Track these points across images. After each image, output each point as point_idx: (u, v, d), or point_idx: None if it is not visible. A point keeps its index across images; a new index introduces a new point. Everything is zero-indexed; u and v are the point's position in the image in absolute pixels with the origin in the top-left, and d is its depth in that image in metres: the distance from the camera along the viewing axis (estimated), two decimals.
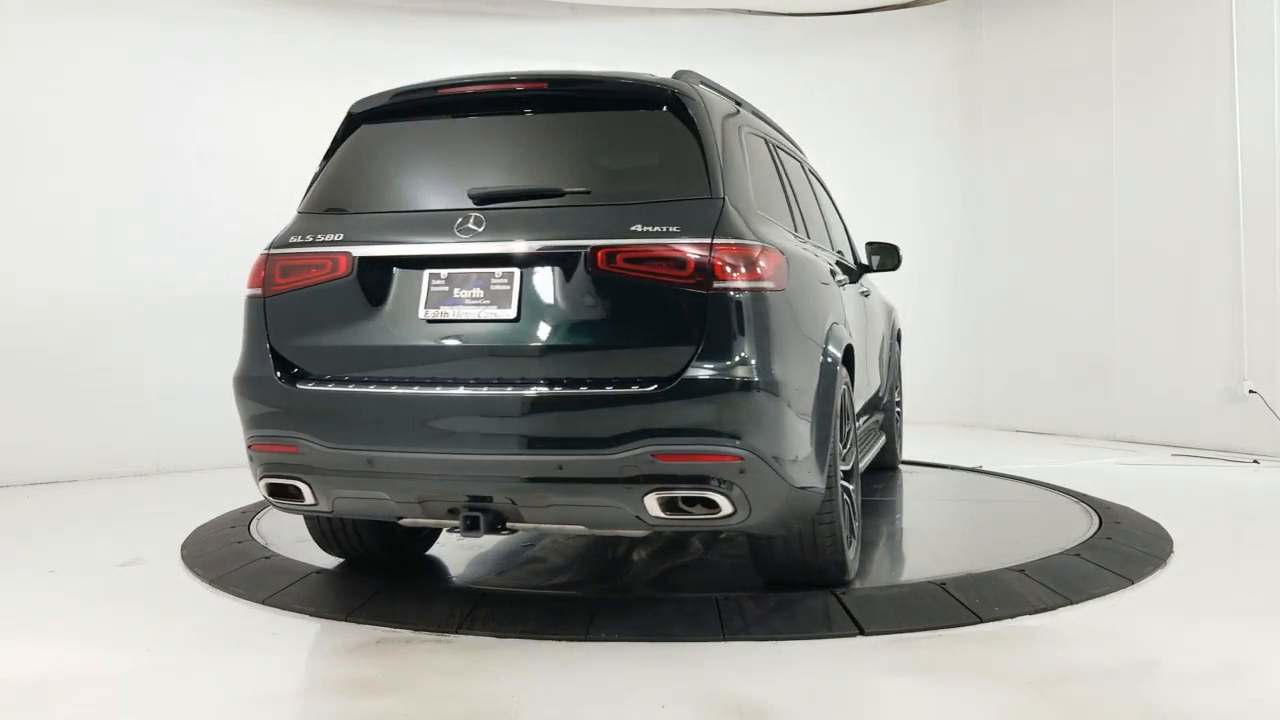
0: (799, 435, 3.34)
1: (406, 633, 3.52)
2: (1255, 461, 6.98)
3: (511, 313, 3.28)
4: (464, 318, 3.32)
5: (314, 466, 3.40)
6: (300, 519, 5.37)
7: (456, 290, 3.35)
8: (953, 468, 6.81)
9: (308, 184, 3.79)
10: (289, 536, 4.84)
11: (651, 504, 3.16)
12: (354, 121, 3.80)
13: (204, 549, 4.71)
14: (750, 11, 9.13)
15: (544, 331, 3.26)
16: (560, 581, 4.16)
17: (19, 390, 6.80)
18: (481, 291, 3.33)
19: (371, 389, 3.34)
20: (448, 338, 3.34)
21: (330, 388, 3.40)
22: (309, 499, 3.49)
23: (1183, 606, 3.75)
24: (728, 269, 3.14)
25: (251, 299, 3.59)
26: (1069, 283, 8.75)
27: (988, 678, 3.05)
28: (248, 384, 3.55)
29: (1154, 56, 8.08)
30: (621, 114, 3.62)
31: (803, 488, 3.35)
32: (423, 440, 3.29)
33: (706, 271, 3.14)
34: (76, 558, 4.72)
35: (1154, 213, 8.10)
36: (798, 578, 3.77)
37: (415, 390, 3.29)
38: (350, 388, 3.37)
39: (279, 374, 3.46)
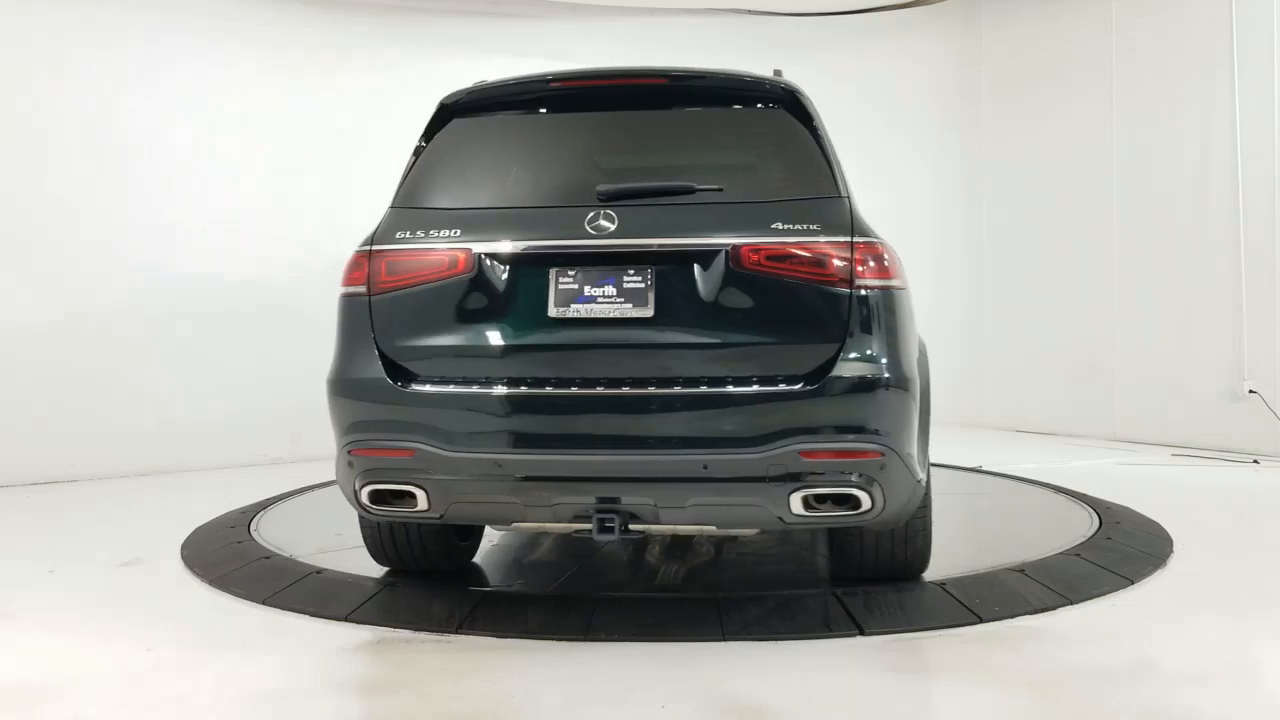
0: (918, 430, 3.38)
1: (406, 633, 3.52)
2: (1255, 461, 6.98)
3: (648, 311, 3.22)
4: (598, 316, 3.24)
5: (433, 471, 3.24)
6: (297, 521, 5.39)
7: (588, 288, 3.26)
8: (952, 467, 6.81)
9: (401, 178, 3.62)
10: (289, 537, 4.84)
11: (796, 502, 3.16)
12: (446, 115, 3.67)
13: (204, 549, 4.71)
14: (750, 11, 9.12)
15: (683, 329, 3.22)
16: (560, 581, 4.15)
17: (19, 390, 6.80)
18: (614, 289, 3.25)
19: (499, 390, 3.23)
20: (580, 336, 3.25)
21: (452, 389, 3.26)
22: (422, 505, 3.32)
23: (1183, 606, 3.75)
24: (867, 268, 3.20)
25: (352, 298, 3.45)
26: (1069, 282, 8.75)
27: (988, 678, 3.05)
28: (350, 386, 3.38)
29: (1154, 56, 8.08)
30: (736, 110, 3.60)
31: (918, 481, 3.40)
32: (559, 442, 3.21)
33: (848, 270, 3.18)
34: (76, 558, 4.72)
35: (1154, 213, 8.10)
36: (880, 573, 3.82)
37: (549, 391, 3.20)
38: (475, 389, 3.24)
39: (390, 376, 3.33)
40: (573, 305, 3.25)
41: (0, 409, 6.75)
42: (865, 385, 3.15)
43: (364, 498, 3.40)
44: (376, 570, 4.14)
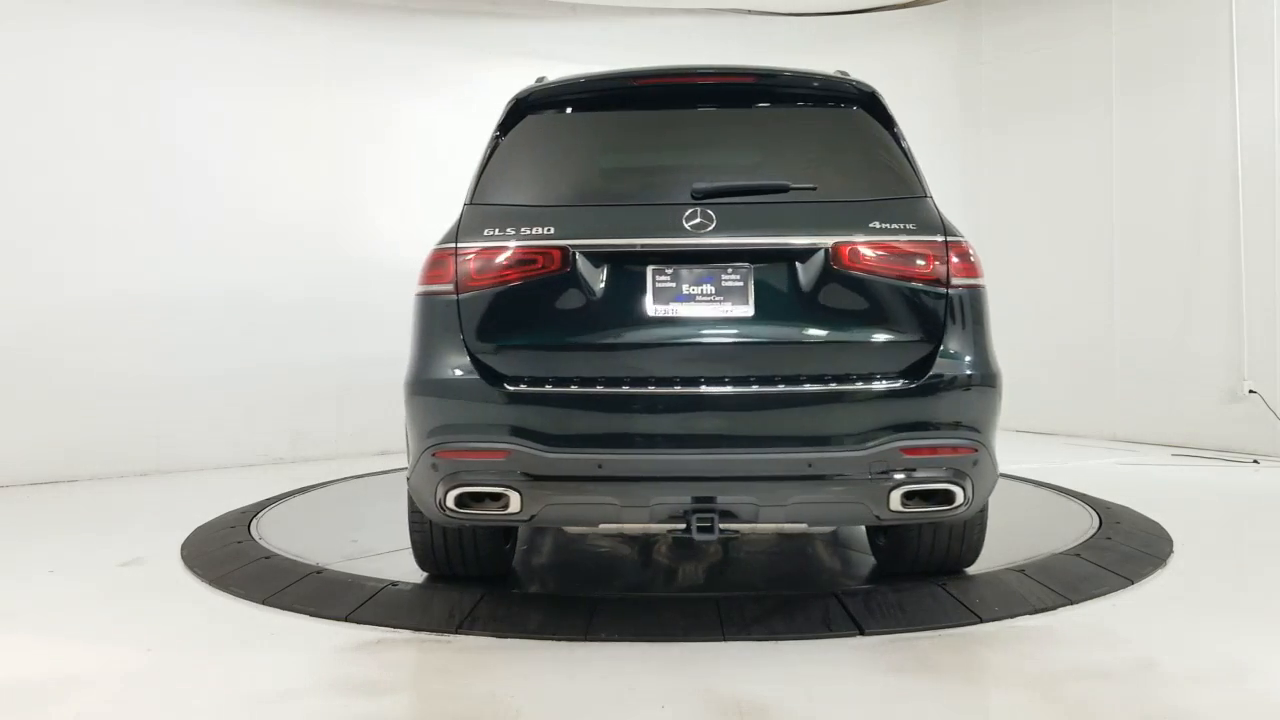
0: (998, 425, 3.42)
1: (406, 633, 3.52)
2: (1255, 461, 6.98)
3: (749, 309, 3.23)
4: (697, 315, 3.23)
5: (529, 473, 3.17)
6: (307, 524, 5.39)
7: (686, 287, 3.25)
8: None
9: (475, 174, 3.57)
10: (289, 536, 4.84)
11: (896, 499, 3.18)
12: (520, 110, 3.63)
13: (204, 549, 4.70)
14: (750, 11, 9.12)
15: (784, 327, 3.24)
16: (560, 581, 4.15)
17: (19, 390, 6.80)
18: (713, 288, 3.24)
19: (600, 389, 3.19)
20: (680, 335, 3.24)
21: (550, 388, 3.20)
22: (514, 507, 3.23)
23: (1182, 606, 3.75)
24: (960, 266, 3.29)
25: (435, 296, 3.35)
26: (1069, 282, 8.75)
27: (988, 678, 3.05)
28: (436, 387, 3.29)
29: (1154, 56, 8.08)
30: (817, 110, 3.63)
31: (998, 475, 3.43)
32: (663, 442, 3.18)
33: (943, 269, 3.27)
34: (76, 558, 4.72)
35: (1154, 213, 8.10)
36: (934, 567, 3.88)
37: (651, 390, 3.17)
38: (574, 388, 3.19)
39: (482, 376, 3.25)
40: (672, 303, 3.24)
41: (0, 409, 6.75)
42: (963, 382, 3.24)
43: (448, 501, 3.27)
44: (376, 570, 4.13)
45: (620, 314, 3.25)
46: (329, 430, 7.88)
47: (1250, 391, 7.32)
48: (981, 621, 3.52)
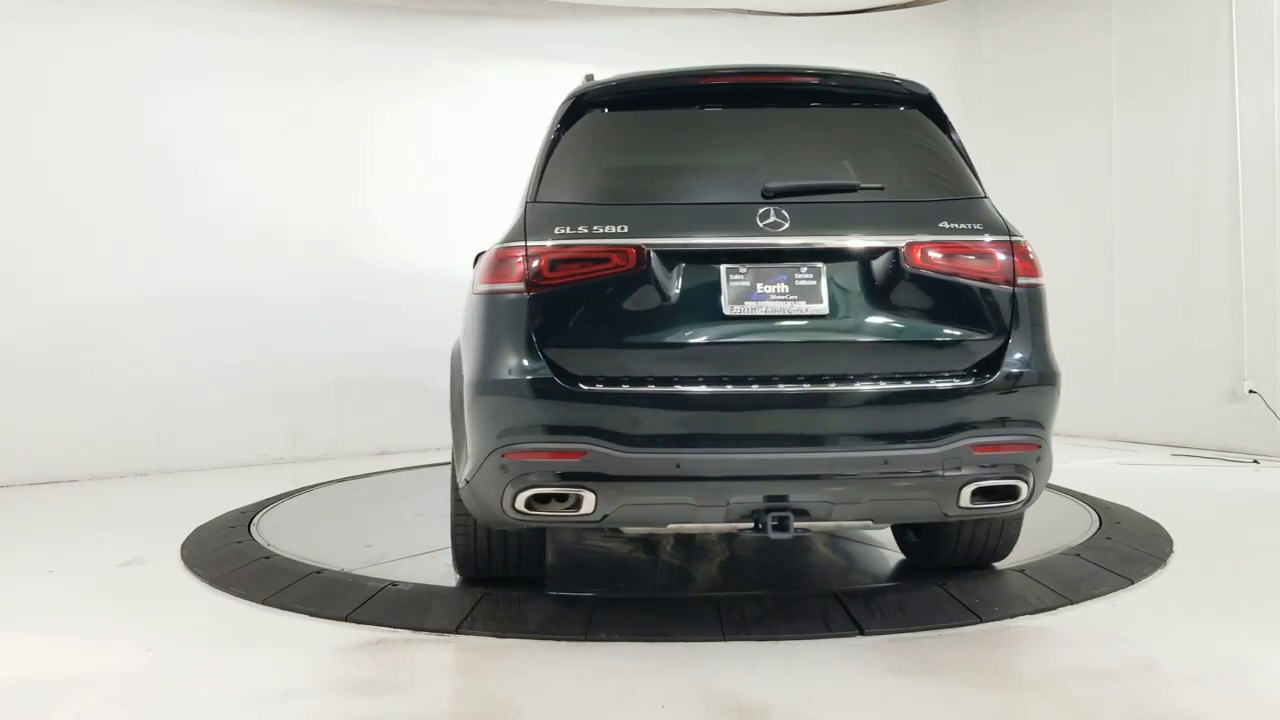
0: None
1: (406, 633, 3.52)
2: (1255, 461, 6.98)
3: (823, 308, 3.24)
4: (772, 313, 3.23)
5: (606, 473, 3.14)
6: (303, 523, 5.39)
7: (760, 285, 3.24)
8: None
9: (536, 171, 3.52)
10: (289, 536, 4.84)
11: (965, 495, 3.24)
12: (581, 108, 3.59)
13: (204, 549, 4.70)
14: (750, 11, 9.12)
15: (857, 326, 3.27)
16: (560, 581, 4.15)
17: (20, 390, 6.80)
18: (787, 287, 3.25)
19: (678, 388, 3.17)
20: (756, 333, 3.24)
21: (627, 388, 3.17)
22: (587, 508, 3.19)
23: (1182, 606, 3.75)
24: (1025, 265, 3.37)
25: (502, 296, 3.27)
26: (1068, 282, 8.74)
27: (988, 678, 3.05)
28: (506, 387, 3.21)
29: (1154, 56, 8.08)
30: (877, 111, 3.67)
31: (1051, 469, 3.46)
32: (740, 441, 3.19)
33: (1010, 268, 3.34)
34: (76, 558, 4.72)
35: (1154, 213, 8.10)
36: (970, 561, 3.96)
37: (729, 389, 3.17)
38: (651, 387, 3.17)
39: (556, 375, 3.19)
40: (746, 302, 3.23)
41: (0, 409, 6.75)
42: (1029, 380, 3.31)
43: (518, 503, 3.23)
44: (377, 570, 4.13)
45: (696, 313, 3.24)
46: (328, 430, 7.88)
47: (1250, 391, 7.32)
48: (981, 621, 3.52)
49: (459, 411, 3.53)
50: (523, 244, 3.27)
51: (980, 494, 3.27)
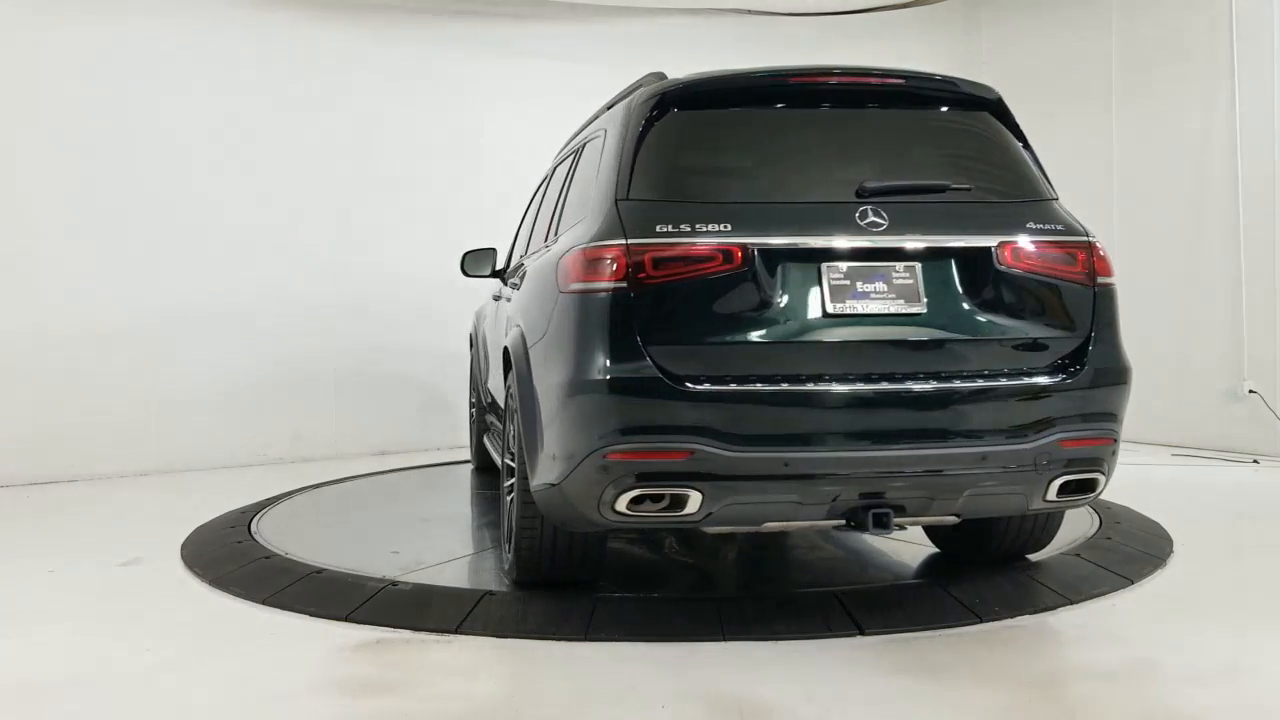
0: None
1: (406, 633, 3.52)
2: (1255, 461, 6.98)
3: (920, 307, 3.28)
4: (873, 312, 3.25)
5: (712, 473, 3.13)
6: (295, 523, 5.39)
7: (860, 284, 3.27)
8: None
9: (621, 169, 3.47)
10: (289, 536, 4.84)
11: (1053, 489, 3.33)
12: (663, 106, 3.54)
13: (204, 549, 4.70)
14: (750, 11, 9.12)
15: (954, 324, 3.32)
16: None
17: (20, 391, 6.80)
18: (885, 286, 3.27)
19: (784, 387, 3.17)
20: (858, 332, 3.26)
21: (734, 387, 3.16)
22: (692, 507, 3.17)
23: (1183, 606, 3.74)
24: (1103, 265, 3.48)
25: (602, 294, 3.21)
26: None
27: (988, 678, 3.05)
28: (610, 387, 3.16)
29: (1154, 56, 8.08)
30: (952, 113, 3.73)
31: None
32: (846, 438, 3.21)
33: (1090, 267, 3.44)
34: (76, 558, 4.72)
35: (1154, 213, 8.09)
36: (1012, 553, 4.07)
37: (834, 387, 3.19)
38: (758, 386, 3.16)
39: (661, 375, 3.15)
40: (848, 301, 3.25)
41: (0, 410, 6.75)
42: (1110, 376, 3.41)
43: (620, 504, 3.18)
44: (375, 570, 4.13)
45: (799, 311, 3.25)
46: (328, 430, 7.87)
47: (1250, 391, 7.32)
48: (981, 621, 3.52)
49: (531, 415, 3.51)
50: (623, 242, 3.23)
51: (1065, 488, 3.35)
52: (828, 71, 3.63)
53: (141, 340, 7.19)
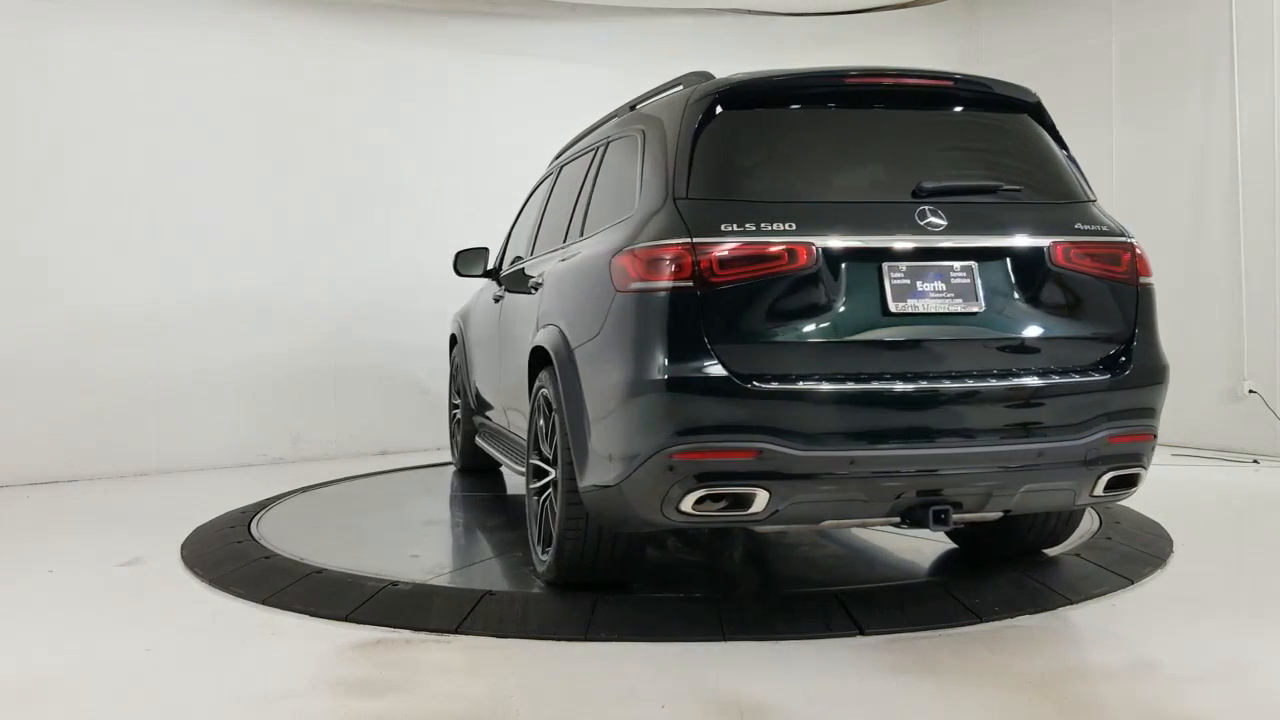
0: None
1: (406, 633, 3.52)
2: (1255, 461, 6.98)
3: (978, 306, 3.33)
4: (933, 310, 3.30)
5: (780, 471, 3.13)
6: (295, 523, 5.39)
7: (919, 283, 3.30)
8: None
9: (670, 167, 3.46)
10: (289, 536, 4.84)
11: (1100, 485, 3.40)
12: (714, 105, 3.52)
13: (204, 549, 4.70)
14: (750, 11, 9.12)
15: (1010, 323, 3.38)
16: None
17: (20, 391, 6.80)
18: (943, 285, 3.32)
19: (850, 386, 3.20)
20: (920, 331, 3.30)
21: (801, 386, 3.17)
22: (758, 506, 3.18)
23: (1183, 606, 3.74)
24: (1144, 265, 3.55)
25: (666, 293, 3.20)
26: None
27: (988, 678, 3.05)
28: (677, 386, 3.15)
29: (1154, 56, 8.08)
30: (995, 115, 3.76)
31: None
32: (911, 436, 3.24)
33: (1133, 267, 3.52)
34: (76, 558, 4.72)
35: (1153, 213, 8.09)
36: (1034, 547, 4.17)
37: (898, 386, 3.22)
38: (824, 385, 3.18)
39: (729, 374, 3.15)
40: (908, 300, 3.28)
41: (1, 410, 6.75)
42: (1152, 374, 3.49)
43: (686, 503, 3.18)
44: (376, 570, 4.13)
45: (862, 311, 3.27)
46: (329, 430, 7.87)
47: (1250, 391, 7.32)
48: (981, 621, 3.52)
49: (578, 416, 3.49)
50: (688, 240, 3.22)
51: (1111, 483, 3.43)
52: (880, 73, 3.66)
53: (141, 340, 7.18)
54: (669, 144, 3.53)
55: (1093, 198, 3.67)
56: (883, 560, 4.44)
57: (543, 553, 3.91)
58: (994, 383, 3.29)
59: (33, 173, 6.89)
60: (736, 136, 3.52)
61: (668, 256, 3.22)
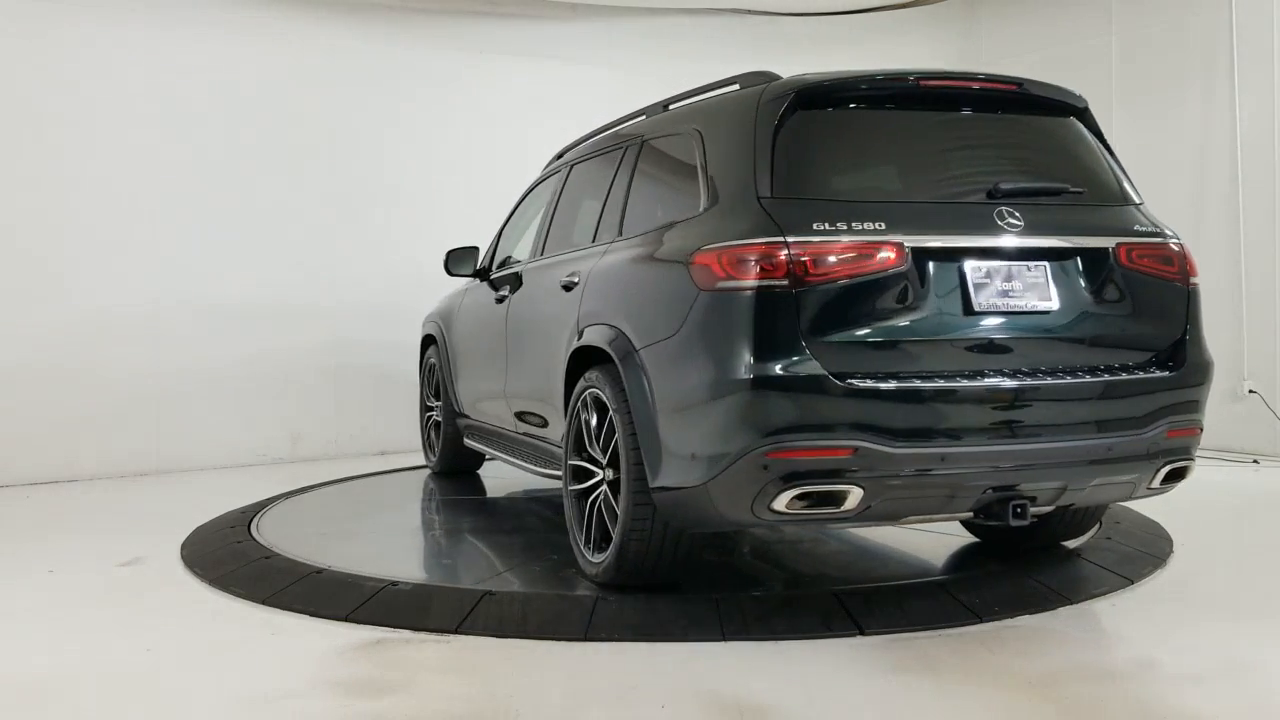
0: None
1: (406, 633, 3.52)
2: (1255, 461, 6.98)
3: (1052, 304, 3.42)
4: (1011, 309, 3.38)
5: (873, 469, 3.17)
6: (295, 523, 5.39)
7: (998, 282, 3.39)
8: None
9: (747, 167, 3.46)
10: (289, 536, 4.83)
11: (1159, 478, 3.53)
12: (793, 104, 3.51)
13: (204, 549, 4.70)
14: (750, 11, 9.12)
15: (1080, 321, 3.48)
16: (560, 581, 4.15)
17: (20, 391, 6.79)
18: (1020, 284, 3.40)
19: (940, 383, 3.24)
20: (1001, 329, 3.38)
21: (894, 384, 3.21)
22: (851, 503, 3.20)
23: (1183, 606, 3.75)
24: (1192, 265, 3.68)
25: (764, 291, 3.20)
26: None
27: (988, 678, 3.05)
28: (773, 385, 3.17)
29: (1153, 57, 8.08)
30: (1050, 119, 3.84)
31: None
32: (997, 431, 3.31)
33: (1184, 268, 3.65)
34: (76, 558, 4.72)
35: (1153, 212, 8.09)
36: (1057, 539, 4.28)
37: (985, 383, 3.29)
38: (915, 383, 3.22)
39: (826, 372, 3.17)
40: (989, 299, 3.36)
41: (1, 410, 6.74)
42: (1203, 370, 3.61)
43: (779, 502, 3.19)
44: (375, 570, 4.12)
45: (948, 309, 3.33)
46: (329, 430, 7.87)
47: (1250, 391, 7.32)
48: (981, 621, 3.52)
49: (648, 417, 3.47)
50: (781, 239, 3.22)
51: (1167, 476, 3.54)
52: (950, 75, 3.77)
53: (142, 340, 7.18)
54: (746, 143, 3.52)
55: (1141, 200, 3.77)
56: (883, 560, 4.44)
57: (594, 554, 3.86)
58: (1070, 379, 3.38)
59: (32, 172, 6.89)
60: (817, 136, 3.55)
61: (761, 256, 3.22)
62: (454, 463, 6.43)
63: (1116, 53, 8.33)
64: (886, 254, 3.26)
